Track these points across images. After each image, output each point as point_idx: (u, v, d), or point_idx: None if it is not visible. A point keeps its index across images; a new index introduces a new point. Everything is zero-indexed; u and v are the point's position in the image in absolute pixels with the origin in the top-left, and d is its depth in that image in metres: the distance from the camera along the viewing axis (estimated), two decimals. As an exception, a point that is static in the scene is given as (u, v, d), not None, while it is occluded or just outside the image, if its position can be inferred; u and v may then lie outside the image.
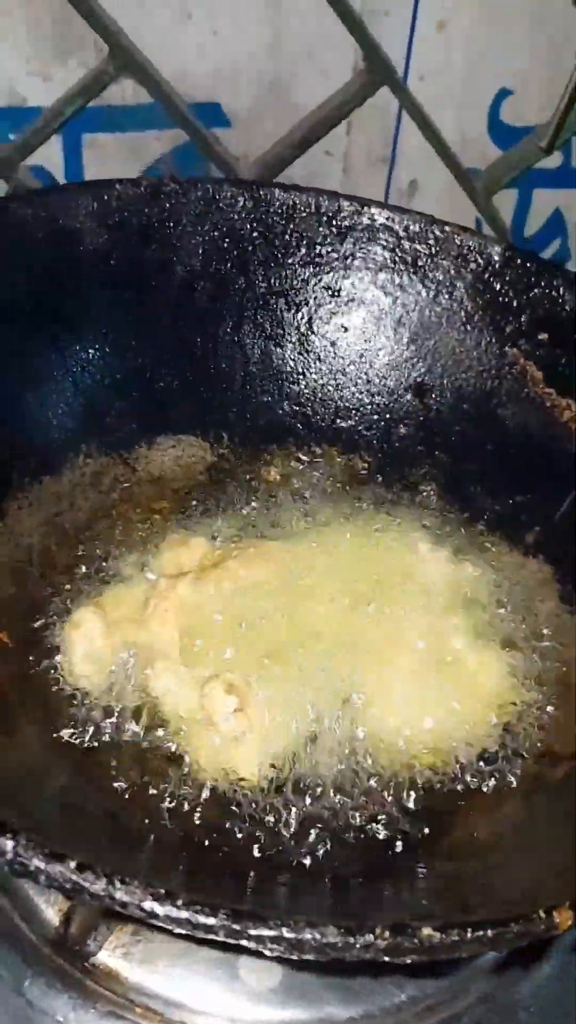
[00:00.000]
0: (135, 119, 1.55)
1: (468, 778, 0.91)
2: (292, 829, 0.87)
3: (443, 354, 1.15)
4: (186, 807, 0.87)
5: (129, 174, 1.53)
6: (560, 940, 0.93)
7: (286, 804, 0.88)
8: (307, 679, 0.95)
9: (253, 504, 1.12)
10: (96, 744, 0.90)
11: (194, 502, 1.12)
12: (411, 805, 0.89)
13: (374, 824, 0.87)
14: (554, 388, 1.09)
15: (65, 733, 0.91)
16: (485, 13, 1.52)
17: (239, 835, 0.86)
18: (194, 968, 0.88)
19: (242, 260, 1.16)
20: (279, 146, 1.55)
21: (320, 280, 1.18)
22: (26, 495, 1.03)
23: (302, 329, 1.18)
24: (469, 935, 0.57)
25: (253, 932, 0.56)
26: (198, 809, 0.87)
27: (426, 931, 0.57)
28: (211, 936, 0.57)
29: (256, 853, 0.85)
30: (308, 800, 0.89)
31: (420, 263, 1.15)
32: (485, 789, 0.90)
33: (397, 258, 1.16)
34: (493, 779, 0.91)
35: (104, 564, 1.04)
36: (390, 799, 0.89)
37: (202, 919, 0.56)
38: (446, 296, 1.15)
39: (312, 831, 0.86)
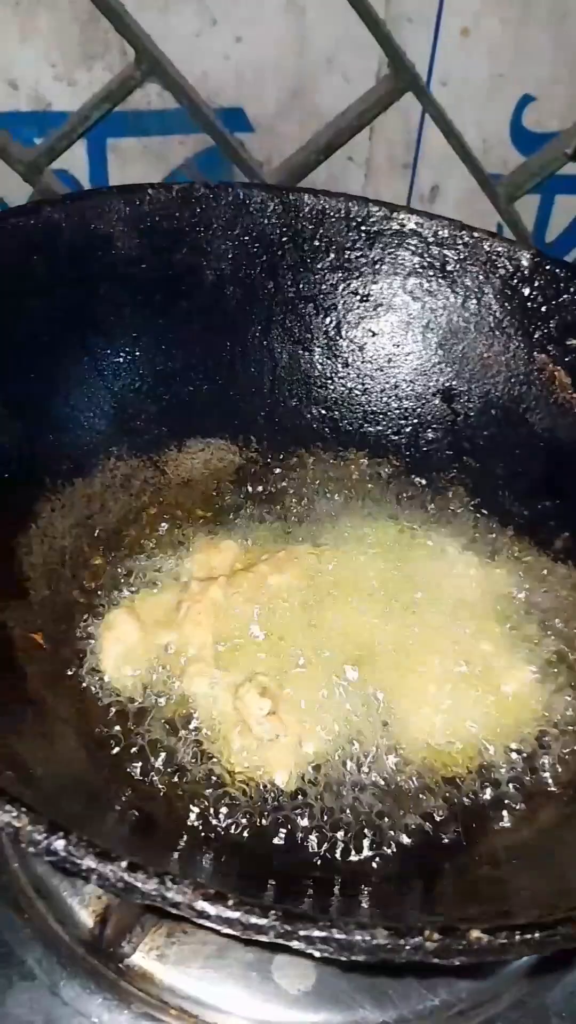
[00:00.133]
0: (159, 124, 1.57)
1: (501, 784, 0.91)
2: (324, 832, 0.87)
3: (471, 359, 1.16)
4: (219, 809, 0.87)
5: (153, 178, 1.54)
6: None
7: (318, 807, 0.88)
8: (339, 683, 0.95)
9: (281, 507, 1.13)
10: (129, 745, 0.90)
11: (223, 505, 1.13)
12: (444, 810, 0.89)
13: (406, 828, 0.87)
14: (583, 393, 1.09)
15: (99, 734, 0.91)
16: (509, 20, 1.53)
17: (272, 837, 0.86)
18: (228, 970, 0.88)
19: (271, 265, 1.17)
20: (303, 151, 1.55)
21: (349, 285, 1.18)
22: (59, 497, 1.03)
23: (330, 334, 1.19)
24: (518, 938, 0.58)
25: (303, 933, 0.57)
26: (231, 811, 0.87)
27: (475, 933, 0.57)
28: (260, 936, 0.58)
29: (288, 855, 0.85)
30: (340, 803, 0.89)
31: (449, 268, 1.15)
32: (519, 794, 0.90)
33: (426, 263, 1.16)
34: (526, 784, 0.91)
35: (136, 566, 1.04)
36: (423, 804, 0.89)
37: (253, 919, 0.57)
38: (475, 301, 1.15)
39: (344, 834, 0.87)
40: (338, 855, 0.85)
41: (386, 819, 0.87)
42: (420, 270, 1.16)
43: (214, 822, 0.86)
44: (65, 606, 0.99)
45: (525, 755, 0.93)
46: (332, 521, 1.11)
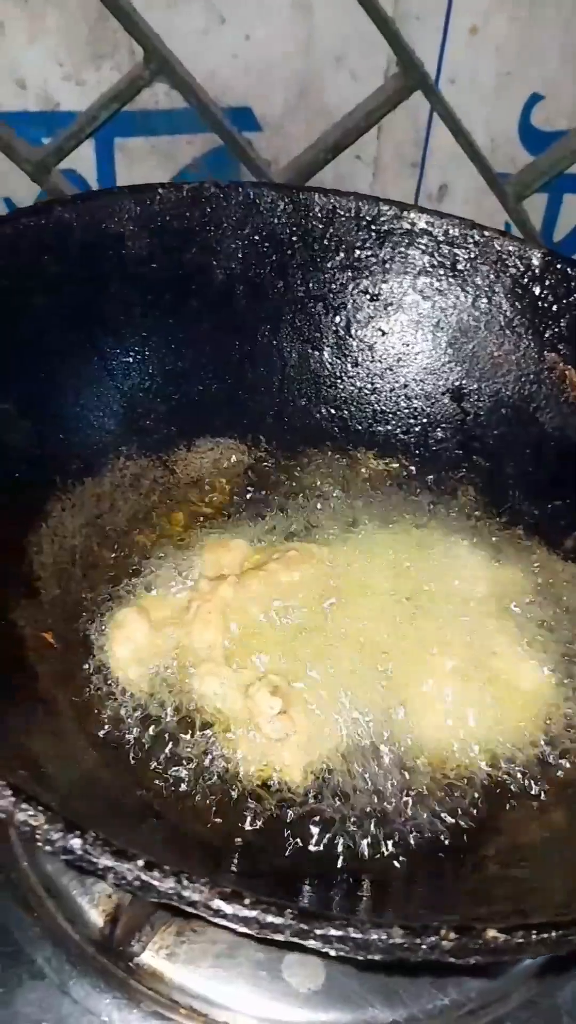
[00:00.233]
0: (167, 123, 1.56)
1: (511, 783, 0.91)
2: (335, 830, 0.87)
3: (482, 358, 1.15)
4: (230, 808, 0.87)
5: (161, 178, 1.54)
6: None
7: (329, 805, 0.88)
8: (349, 681, 0.95)
9: (291, 507, 1.13)
10: (139, 744, 0.91)
11: (233, 504, 1.13)
12: (456, 809, 0.89)
13: (418, 827, 0.87)
14: (593, 393, 1.09)
15: (109, 733, 0.91)
16: (517, 19, 1.52)
17: (283, 835, 0.86)
18: (237, 969, 0.88)
19: (281, 264, 1.17)
20: (311, 150, 1.55)
21: (359, 284, 1.18)
22: (69, 497, 1.04)
23: (340, 333, 1.19)
24: (534, 937, 0.58)
25: (320, 932, 0.57)
26: (242, 810, 0.87)
27: (491, 933, 0.57)
28: (276, 936, 0.58)
29: (299, 854, 0.85)
30: (351, 802, 0.89)
31: (459, 267, 1.15)
32: (531, 794, 0.90)
33: (436, 262, 1.16)
34: (536, 784, 0.91)
35: (145, 565, 1.05)
36: (434, 803, 0.89)
37: (270, 918, 0.57)
38: (485, 300, 1.15)
39: (355, 833, 0.87)
40: (349, 854, 0.85)
41: (397, 818, 0.88)
42: (430, 269, 1.16)
43: (224, 821, 0.86)
44: (75, 605, 0.99)
45: (537, 754, 0.93)
46: (342, 520, 1.11)
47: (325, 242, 1.17)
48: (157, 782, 0.88)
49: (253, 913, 0.57)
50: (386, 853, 0.85)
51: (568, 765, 0.92)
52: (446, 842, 0.87)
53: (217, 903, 0.57)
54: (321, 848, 0.85)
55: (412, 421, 1.18)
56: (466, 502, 1.14)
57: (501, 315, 1.14)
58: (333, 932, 0.56)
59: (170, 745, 0.91)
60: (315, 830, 0.86)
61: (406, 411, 1.18)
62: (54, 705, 0.89)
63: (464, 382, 1.16)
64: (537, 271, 1.12)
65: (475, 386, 1.16)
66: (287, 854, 0.84)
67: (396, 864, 0.85)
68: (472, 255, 1.15)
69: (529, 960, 0.91)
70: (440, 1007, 0.88)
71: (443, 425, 1.17)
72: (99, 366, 1.09)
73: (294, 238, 1.16)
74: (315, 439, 1.18)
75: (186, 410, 1.14)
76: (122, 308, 1.11)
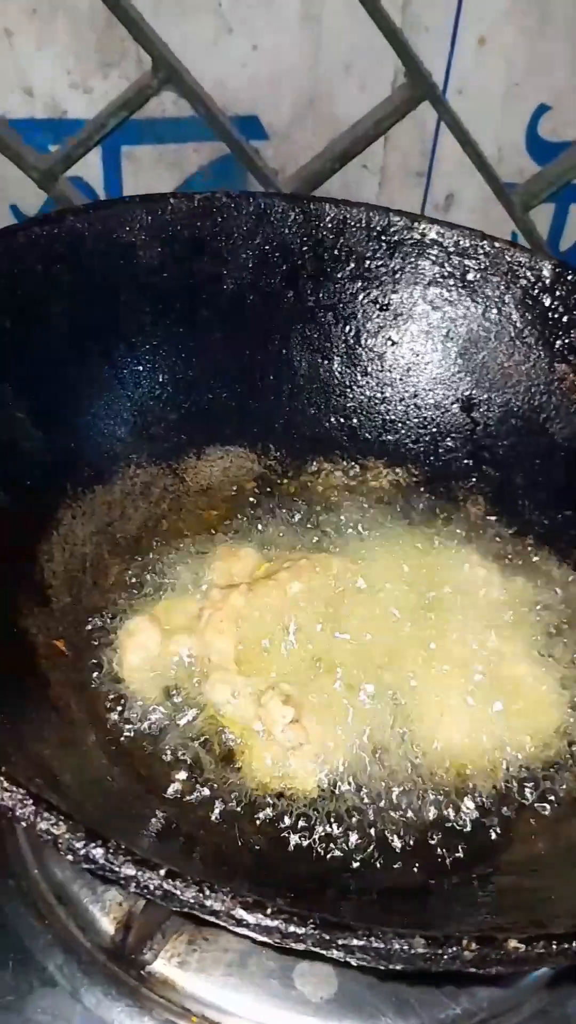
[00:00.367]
0: (174, 132, 1.57)
1: (524, 792, 0.91)
2: (347, 840, 0.87)
3: (491, 369, 1.16)
4: (242, 816, 0.87)
5: (167, 187, 1.55)
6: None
7: (341, 815, 0.88)
8: (361, 690, 0.95)
9: (301, 515, 1.13)
10: (151, 752, 0.91)
11: (243, 513, 1.13)
12: (468, 819, 0.89)
13: (432, 837, 0.87)
14: (603, 403, 1.10)
15: (121, 741, 0.91)
16: (525, 29, 1.53)
17: (295, 844, 0.86)
18: (249, 978, 0.88)
19: (291, 274, 1.17)
20: (319, 160, 1.55)
21: (369, 294, 1.18)
22: (80, 505, 1.04)
23: (350, 342, 1.19)
24: (555, 948, 0.58)
25: (342, 941, 0.57)
26: (254, 818, 0.87)
27: (512, 943, 0.57)
28: (297, 945, 0.58)
29: (312, 863, 0.85)
30: (363, 811, 0.89)
31: (469, 278, 1.16)
32: (542, 803, 0.91)
33: (446, 273, 1.16)
34: (549, 793, 0.91)
35: (156, 573, 1.05)
36: (447, 813, 0.89)
37: (292, 928, 0.57)
38: (495, 311, 1.15)
39: (367, 842, 0.87)
40: (361, 863, 0.85)
41: (411, 828, 0.88)
42: (440, 279, 1.17)
43: (236, 829, 0.86)
44: (87, 613, 0.99)
45: (548, 763, 0.93)
46: (351, 529, 1.11)
47: (335, 252, 1.17)
48: (170, 790, 0.88)
49: (275, 923, 0.57)
50: (399, 862, 0.86)
51: (578, 775, 0.92)
52: (459, 851, 0.87)
53: (239, 912, 0.57)
54: (333, 857, 0.85)
55: (422, 431, 1.18)
56: (476, 512, 1.14)
57: (511, 326, 1.15)
58: (356, 942, 0.57)
59: (181, 753, 0.91)
60: (328, 840, 0.86)
61: (416, 421, 1.19)
62: (67, 713, 0.89)
63: (474, 392, 1.17)
64: (547, 282, 1.12)
65: (485, 396, 1.16)
66: (300, 863, 0.84)
67: (410, 873, 0.85)
68: (482, 266, 1.15)
69: (541, 970, 0.91)
70: (452, 1016, 0.88)
71: (453, 435, 1.18)
72: (110, 375, 1.09)
73: (304, 248, 1.16)
74: (325, 448, 1.19)
75: (196, 419, 1.15)
76: (133, 317, 1.11)
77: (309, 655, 0.97)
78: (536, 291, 1.13)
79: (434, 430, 1.18)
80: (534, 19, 1.53)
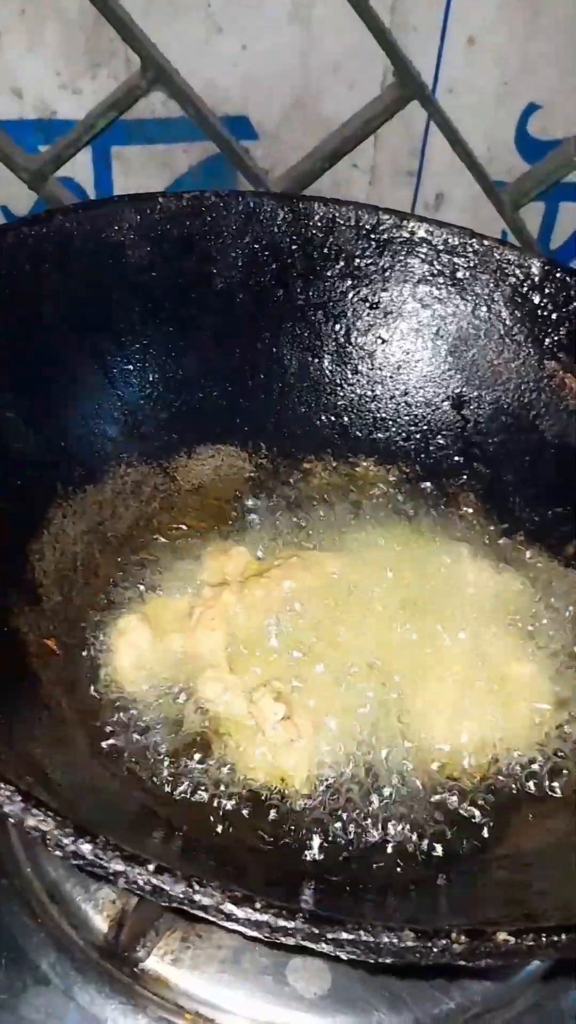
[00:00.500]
0: (164, 132, 1.57)
1: (515, 787, 0.92)
2: (340, 836, 0.87)
3: (481, 366, 1.16)
4: (234, 813, 0.87)
5: (157, 187, 1.55)
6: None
7: (334, 811, 0.88)
8: (353, 687, 0.95)
9: (292, 514, 1.13)
10: (143, 750, 0.91)
11: (234, 511, 1.13)
12: (461, 814, 0.89)
13: (423, 832, 0.88)
14: (593, 400, 1.10)
15: (114, 739, 0.91)
16: (515, 29, 1.53)
17: (287, 841, 0.86)
18: (243, 974, 0.88)
19: (281, 272, 1.17)
20: (308, 159, 1.56)
21: (358, 292, 1.19)
22: (70, 504, 1.04)
23: (340, 341, 1.19)
24: (544, 940, 0.58)
25: (331, 935, 0.57)
26: (247, 816, 0.87)
27: (502, 936, 0.58)
28: (287, 940, 0.58)
29: (304, 859, 0.85)
30: (356, 808, 0.89)
31: (459, 276, 1.16)
32: (535, 798, 0.91)
33: (436, 271, 1.16)
34: (541, 788, 0.91)
35: (147, 573, 1.05)
36: (439, 808, 0.90)
37: (281, 922, 0.57)
38: (485, 309, 1.15)
39: (359, 838, 0.87)
40: (354, 859, 0.85)
41: (402, 823, 0.88)
42: (430, 278, 1.17)
43: (229, 826, 0.86)
44: (77, 612, 0.99)
45: (540, 759, 0.93)
46: (342, 527, 1.11)
47: (325, 251, 1.17)
48: (162, 788, 0.88)
49: (264, 917, 0.57)
50: (392, 858, 0.86)
51: (571, 769, 0.92)
52: (452, 847, 0.87)
53: (228, 907, 0.57)
54: (326, 853, 0.85)
55: (412, 428, 1.19)
56: (466, 509, 1.14)
57: (501, 323, 1.15)
58: (345, 936, 0.57)
59: (174, 751, 0.91)
60: (320, 835, 0.86)
61: (406, 418, 1.19)
62: (58, 712, 0.89)
63: (464, 390, 1.17)
64: (536, 280, 1.13)
65: (475, 394, 1.16)
66: (292, 859, 0.84)
67: (402, 869, 0.85)
68: (472, 264, 1.15)
69: (535, 964, 0.91)
70: (446, 1011, 0.88)
71: (443, 432, 1.18)
72: (100, 374, 1.10)
73: (294, 247, 1.17)
74: (315, 446, 1.19)
75: (187, 417, 1.15)
76: (123, 316, 1.11)
77: (300, 652, 0.97)
78: (525, 288, 1.13)
79: (425, 428, 1.18)
80: (523, 18, 1.53)
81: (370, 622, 1.00)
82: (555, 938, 0.58)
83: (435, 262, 1.16)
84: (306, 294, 1.18)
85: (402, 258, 1.17)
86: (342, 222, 1.16)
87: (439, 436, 1.18)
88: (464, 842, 0.87)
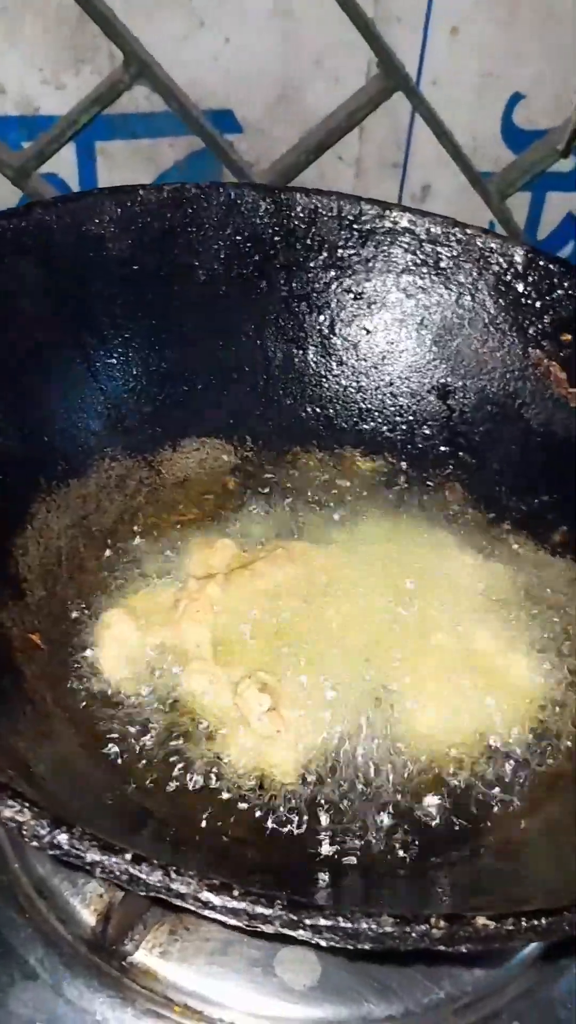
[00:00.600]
0: (148, 127, 1.57)
1: (504, 775, 0.91)
2: (327, 826, 0.87)
3: (466, 355, 1.16)
4: (220, 805, 0.87)
5: (142, 181, 1.54)
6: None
7: (319, 802, 0.88)
8: (339, 678, 0.95)
9: (278, 505, 1.13)
10: (129, 743, 0.90)
11: (219, 504, 1.13)
12: (446, 803, 0.89)
13: (410, 821, 0.87)
14: (578, 388, 1.10)
15: (99, 733, 0.91)
16: (498, 19, 1.53)
17: (274, 832, 0.86)
18: (231, 966, 0.88)
19: (264, 264, 1.17)
20: (293, 152, 1.56)
21: (342, 283, 1.18)
22: (54, 498, 1.03)
23: (324, 332, 1.19)
24: (524, 924, 0.58)
25: (309, 922, 0.57)
26: (233, 807, 0.87)
27: (481, 920, 0.57)
28: (266, 927, 0.58)
29: (290, 850, 0.85)
30: (342, 797, 0.89)
31: (442, 265, 1.15)
32: (522, 786, 0.91)
33: (419, 260, 1.16)
34: (529, 775, 0.91)
35: (132, 566, 1.04)
36: (426, 797, 0.89)
37: (259, 909, 0.57)
38: (468, 298, 1.15)
39: (346, 828, 0.87)
40: (340, 850, 0.85)
41: (389, 812, 0.88)
42: (413, 267, 1.16)
43: (215, 818, 0.86)
44: (62, 606, 0.99)
45: (527, 746, 0.93)
46: (328, 518, 1.11)
47: (308, 241, 1.17)
48: (147, 781, 0.88)
49: (242, 904, 0.57)
50: (377, 848, 0.85)
51: (559, 757, 0.92)
52: (438, 836, 0.87)
53: (206, 895, 0.57)
54: (312, 844, 0.85)
55: (398, 419, 1.18)
56: (453, 498, 1.14)
57: (485, 312, 1.15)
58: (323, 922, 0.56)
59: (160, 744, 0.90)
60: (305, 826, 0.86)
61: (392, 409, 1.19)
62: (43, 706, 0.89)
63: (449, 379, 1.17)
64: (520, 268, 1.12)
65: (460, 383, 1.16)
66: (277, 850, 0.84)
67: (388, 858, 0.85)
68: (455, 253, 1.15)
69: (525, 952, 0.91)
70: (436, 1001, 0.88)
71: (429, 422, 1.17)
72: (82, 368, 1.09)
73: (276, 238, 1.16)
74: (301, 438, 1.18)
75: (171, 410, 1.14)
76: (105, 309, 1.11)
77: (286, 644, 0.97)
78: (509, 277, 1.13)
79: (410, 418, 1.18)
80: (506, 8, 1.53)
81: (356, 613, 1.00)
82: (535, 922, 0.57)
83: (418, 251, 1.16)
84: (289, 285, 1.18)
85: (385, 248, 1.17)
86: (324, 213, 1.16)
87: (425, 426, 1.17)
88: (451, 831, 0.87)
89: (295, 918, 0.56)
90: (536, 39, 1.56)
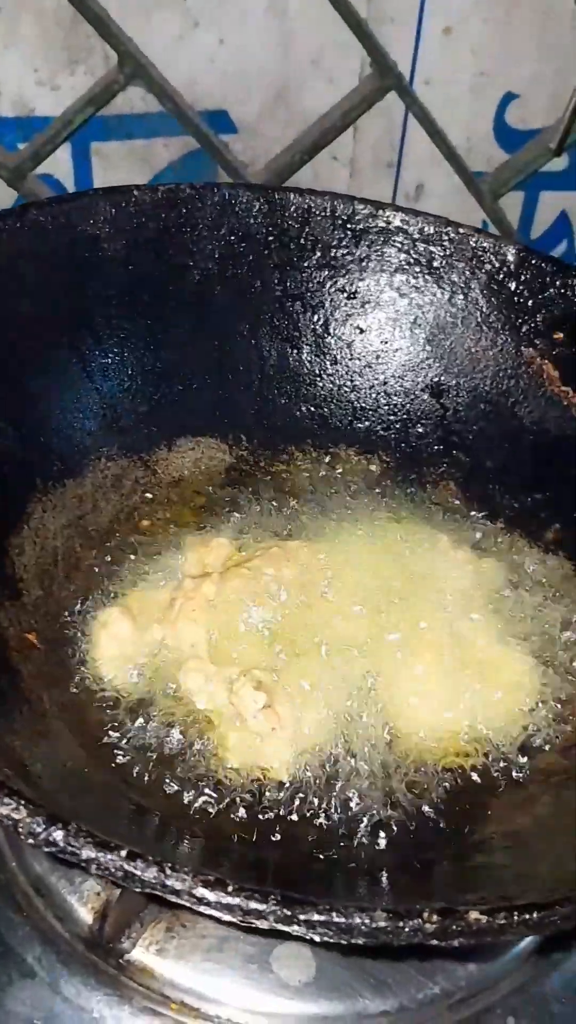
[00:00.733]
0: (143, 127, 1.57)
1: (496, 772, 0.92)
2: (321, 822, 0.87)
3: (459, 354, 1.16)
4: (218, 803, 0.87)
5: (138, 182, 1.55)
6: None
7: (314, 799, 0.89)
8: (334, 676, 0.95)
9: (273, 504, 1.13)
10: (126, 741, 0.91)
11: (215, 503, 1.13)
12: (440, 799, 0.90)
13: (403, 817, 0.88)
14: (571, 387, 1.10)
15: (95, 731, 0.91)
16: (491, 19, 1.53)
17: (269, 829, 0.86)
18: (227, 963, 0.88)
19: (258, 264, 1.17)
20: (288, 152, 1.56)
21: (336, 283, 1.19)
22: (50, 498, 1.04)
23: (318, 331, 1.19)
24: (516, 918, 0.58)
25: (303, 917, 0.57)
26: (229, 805, 0.87)
27: (473, 915, 0.58)
28: (260, 922, 0.58)
29: (286, 847, 0.85)
30: (336, 795, 0.89)
31: (435, 264, 1.16)
32: (513, 782, 0.91)
33: (412, 260, 1.17)
34: (521, 772, 0.92)
35: (128, 565, 1.05)
36: (419, 793, 0.90)
37: (253, 904, 0.57)
38: (461, 297, 1.16)
39: (340, 826, 0.87)
40: (335, 846, 0.85)
41: (382, 809, 0.88)
42: (406, 267, 1.17)
43: (211, 816, 0.86)
44: (58, 606, 0.99)
45: (521, 743, 0.93)
46: (323, 517, 1.11)
47: (301, 241, 1.17)
48: (144, 779, 0.88)
49: (236, 900, 0.57)
50: (372, 844, 0.86)
51: (552, 753, 0.93)
52: (432, 832, 0.87)
53: (200, 891, 0.57)
54: (307, 840, 0.85)
55: (392, 418, 1.19)
56: (447, 497, 1.14)
57: (478, 311, 1.15)
58: (316, 917, 0.57)
59: (156, 742, 0.91)
60: (301, 822, 0.86)
61: (386, 408, 1.19)
62: (40, 705, 0.89)
63: (443, 378, 1.17)
64: (512, 267, 1.13)
65: (454, 382, 1.17)
66: (273, 847, 0.84)
67: (382, 854, 0.85)
68: (447, 252, 1.15)
69: (519, 947, 0.91)
70: (430, 996, 0.88)
71: (423, 421, 1.18)
72: (78, 368, 1.10)
73: (270, 238, 1.17)
74: (296, 437, 1.19)
75: (166, 410, 1.15)
76: (100, 310, 1.11)
77: (281, 642, 0.97)
78: (501, 276, 1.13)
79: (404, 417, 1.19)
80: (499, 8, 1.54)
81: (351, 610, 1.00)
82: (527, 916, 0.58)
83: (411, 251, 1.16)
84: (283, 285, 1.18)
85: (378, 247, 1.17)
86: (318, 212, 1.16)
87: (418, 425, 1.18)
88: (445, 827, 0.88)
89: (289, 913, 0.57)
90: (528, 39, 1.56)
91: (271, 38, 1.55)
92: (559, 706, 0.96)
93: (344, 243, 1.17)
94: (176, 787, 0.88)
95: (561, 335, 1.10)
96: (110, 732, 0.91)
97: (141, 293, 1.13)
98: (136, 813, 0.85)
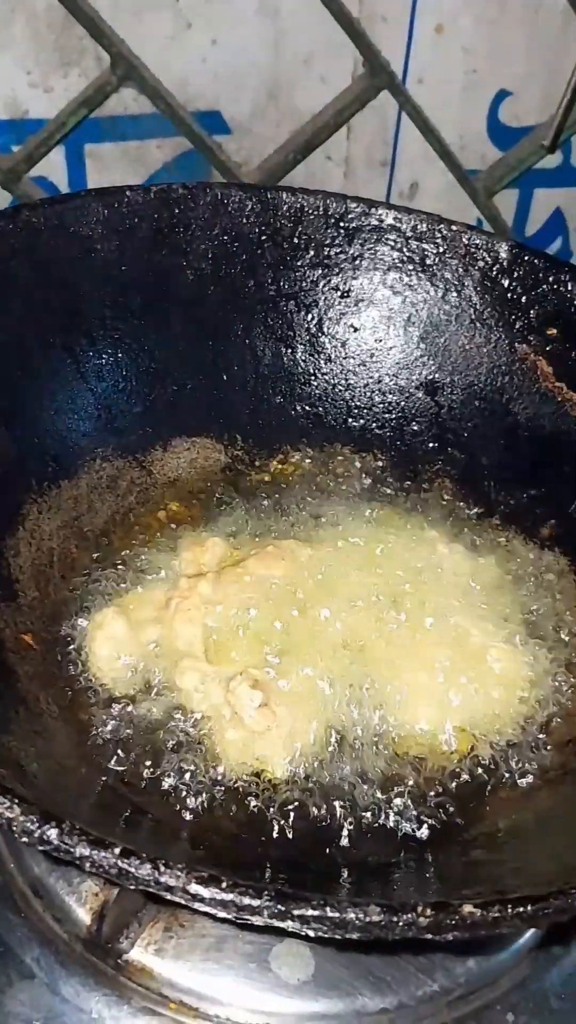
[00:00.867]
0: (137, 129, 1.57)
1: (494, 768, 0.92)
2: (318, 820, 0.87)
3: (453, 351, 1.16)
4: (214, 801, 0.88)
5: (132, 183, 1.55)
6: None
7: (312, 796, 0.89)
8: (329, 673, 0.95)
9: (269, 504, 1.13)
10: (122, 741, 0.91)
11: (210, 503, 1.13)
12: (438, 796, 0.90)
13: (401, 815, 0.88)
14: (565, 382, 1.10)
15: (92, 731, 0.91)
16: (483, 17, 1.53)
17: (266, 827, 0.86)
18: (226, 962, 0.88)
19: (251, 263, 1.17)
20: (281, 152, 1.56)
21: (329, 281, 1.19)
22: (45, 499, 1.04)
23: (312, 330, 1.19)
24: (510, 911, 0.58)
25: (297, 912, 0.57)
26: (227, 803, 0.87)
27: (467, 908, 0.58)
28: (254, 918, 0.58)
29: (282, 845, 0.85)
30: (333, 792, 0.89)
31: (428, 262, 1.16)
32: (511, 778, 0.91)
33: (405, 258, 1.17)
34: (519, 768, 0.92)
35: (124, 565, 1.05)
36: (416, 790, 0.90)
37: (247, 900, 0.57)
38: (455, 294, 1.16)
39: (338, 823, 0.87)
40: (332, 843, 0.85)
41: (379, 806, 0.88)
42: (400, 265, 1.17)
43: (208, 815, 0.86)
44: (54, 606, 0.99)
45: (518, 739, 0.93)
46: (319, 515, 1.12)
47: (294, 240, 1.17)
48: (140, 779, 0.88)
49: (230, 896, 0.57)
50: (370, 841, 0.86)
51: (550, 749, 0.93)
52: (430, 828, 0.87)
53: (195, 887, 0.57)
54: (304, 838, 0.85)
55: (387, 416, 1.19)
56: (442, 494, 1.14)
57: (471, 308, 1.15)
58: (311, 912, 0.57)
59: (152, 742, 0.91)
60: (298, 820, 0.86)
61: (380, 406, 1.19)
62: (35, 706, 0.89)
63: (437, 376, 1.17)
64: (505, 263, 1.13)
65: (448, 379, 1.17)
66: (270, 845, 0.84)
67: (381, 851, 0.85)
68: (440, 250, 1.15)
69: (518, 943, 0.91)
70: (430, 993, 0.88)
71: (418, 419, 1.18)
72: (72, 369, 1.09)
73: (263, 237, 1.17)
74: (291, 436, 1.19)
75: (161, 411, 1.15)
76: (93, 310, 1.11)
77: (277, 641, 0.97)
78: (494, 273, 1.13)
79: (399, 415, 1.19)
80: (491, 5, 1.54)
81: (347, 608, 1.00)
82: (520, 909, 0.58)
83: (404, 249, 1.16)
84: (277, 284, 1.18)
85: (371, 246, 1.17)
86: (310, 211, 1.16)
87: (413, 422, 1.18)
88: (443, 823, 0.88)
89: (283, 909, 0.57)
90: (521, 36, 1.57)
91: (263, 38, 1.55)
92: (555, 703, 0.96)
93: (337, 242, 1.17)
94: (172, 786, 0.88)
95: (554, 331, 1.10)
96: (106, 732, 0.91)
97: (135, 293, 1.13)
98: (132, 812, 0.85)
